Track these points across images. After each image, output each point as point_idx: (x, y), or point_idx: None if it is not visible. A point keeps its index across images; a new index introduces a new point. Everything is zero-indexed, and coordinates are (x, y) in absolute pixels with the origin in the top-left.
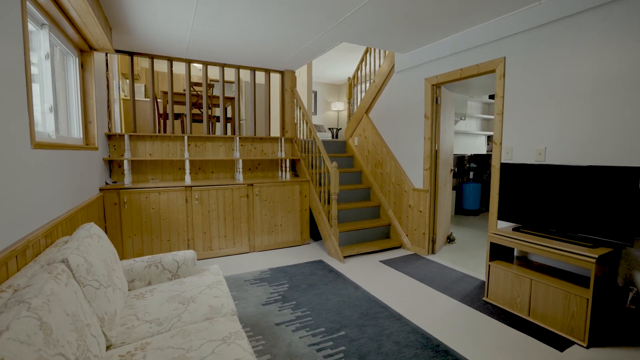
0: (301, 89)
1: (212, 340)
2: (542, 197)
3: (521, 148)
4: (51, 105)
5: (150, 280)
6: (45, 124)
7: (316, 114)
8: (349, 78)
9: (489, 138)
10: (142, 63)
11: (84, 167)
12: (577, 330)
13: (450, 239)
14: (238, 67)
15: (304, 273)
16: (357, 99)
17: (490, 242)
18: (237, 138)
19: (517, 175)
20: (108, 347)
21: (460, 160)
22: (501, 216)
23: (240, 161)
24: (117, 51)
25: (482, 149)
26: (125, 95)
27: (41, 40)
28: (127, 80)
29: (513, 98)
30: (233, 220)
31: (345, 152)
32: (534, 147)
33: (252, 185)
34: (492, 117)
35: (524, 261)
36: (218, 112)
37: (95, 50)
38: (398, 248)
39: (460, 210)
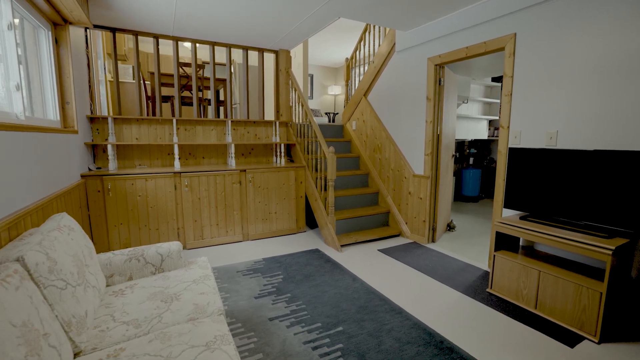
0: (297, 71)
1: (195, 346)
2: (552, 184)
3: (530, 132)
4: (17, 82)
5: (132, 274)
6: (12, 104)
7: (312, 98)
8: (347, 59)
9: (491, 122)
10: (129, 43)
11: (61, 152)
12: (588, 324)
13: (450, 227)
14: (229, 46)
15: (300, 263)
16: (355, 81)
17: (496, 232)
18: (229, 121)
19: (525, 160)
20: (77, 355)
21: (460, 145)
22: (508, 204)
23: (233, 146)
24: (96, 26)
25: (483, 134)
26: (112, 77)
27: (1, 8)
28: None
29: (523, 78)
30: (225, 207)
31: (343, 137)
32: (544, 130)
33: (244, 171)
34: (494, 100)
35: (530, 251)
36: (211, 95)
37: (70, 23)
38: (397, 236)
39: (460, 196)
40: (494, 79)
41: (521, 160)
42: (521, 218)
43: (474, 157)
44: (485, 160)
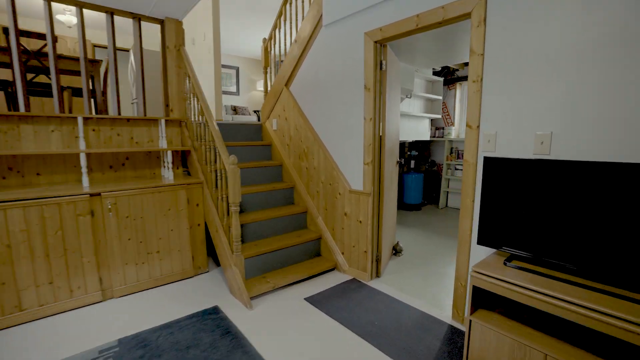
0: (207, 58)
1: None
2: (550, 213)
3: (510, 134)
4: None
5: None
6: None
7: (239, 94)
8: (265, 39)
9: (432, 121)
10: None
11: None
12: None
13: (396, 251)
14: (80, 5)
15: (179, 344)
16: (276, 67)
17: (473, 286)
18: (81, 118)
19: (506, 176)
20: None
21: (400, 147)
22: (482, 239)
23: (85, 156)
24: None
25: (426, 135)
26: None
27: None
28: None
29: (498, 57)
30: (65, 254)
31: (262, 139)
32: (531, 132)
33: (99, 195)
34: (437, 97)
35: (519, 309)
36: (83, 82)
37: None
38: (332, 271)
39: (401, 204)
40: (435, 73)
41: (502, 175)
42: (506, 261)
43: (415, 160)
44: (426, 163)
